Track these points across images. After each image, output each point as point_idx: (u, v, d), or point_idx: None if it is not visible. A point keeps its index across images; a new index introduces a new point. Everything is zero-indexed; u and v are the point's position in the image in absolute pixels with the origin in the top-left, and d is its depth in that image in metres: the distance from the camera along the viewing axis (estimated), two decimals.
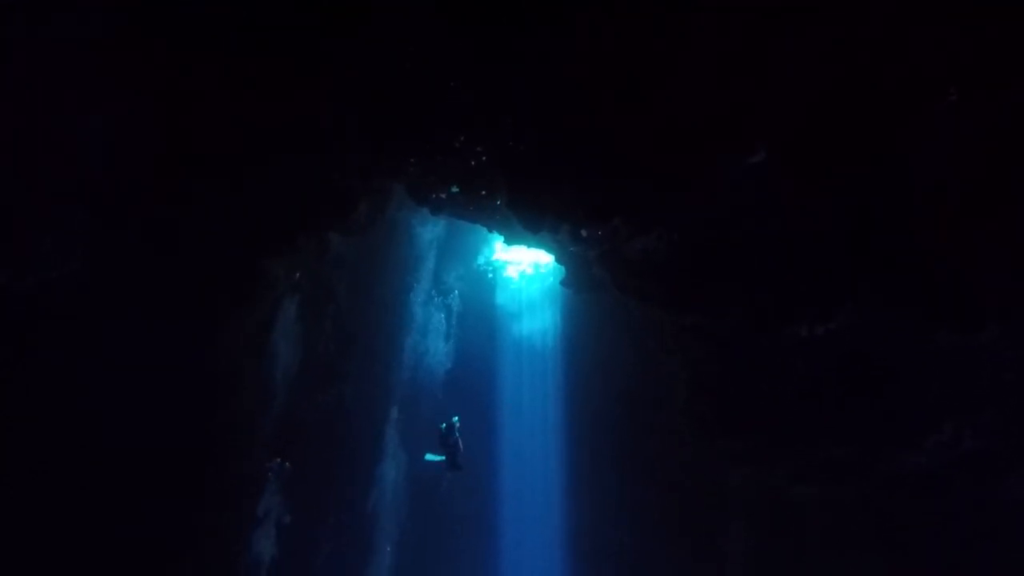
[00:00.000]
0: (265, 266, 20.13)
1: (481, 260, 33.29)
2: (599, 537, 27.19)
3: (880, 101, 13.59)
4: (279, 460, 23.73)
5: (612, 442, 25.80)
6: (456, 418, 25.09)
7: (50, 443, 17.07)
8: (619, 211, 16.64)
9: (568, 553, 30.74)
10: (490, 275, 33.82)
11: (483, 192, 19.49)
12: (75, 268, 17.26)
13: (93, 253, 17.43)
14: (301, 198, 19.21)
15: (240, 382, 20.72)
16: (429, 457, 26.08)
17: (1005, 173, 13.76)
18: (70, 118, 16.06)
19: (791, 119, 14.11)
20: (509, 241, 23.10)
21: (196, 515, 19.24)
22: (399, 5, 14.64)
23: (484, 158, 17.78)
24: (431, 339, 32.91)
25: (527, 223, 18.43)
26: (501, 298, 34.41)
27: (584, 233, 17.97)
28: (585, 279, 21.97)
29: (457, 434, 24.96)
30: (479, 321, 33.74)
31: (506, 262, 33.12)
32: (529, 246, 24.00)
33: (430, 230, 30.62)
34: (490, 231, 23.64)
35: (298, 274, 22.46)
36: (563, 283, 23.33)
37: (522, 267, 33.28)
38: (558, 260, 22.76)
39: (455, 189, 19.74)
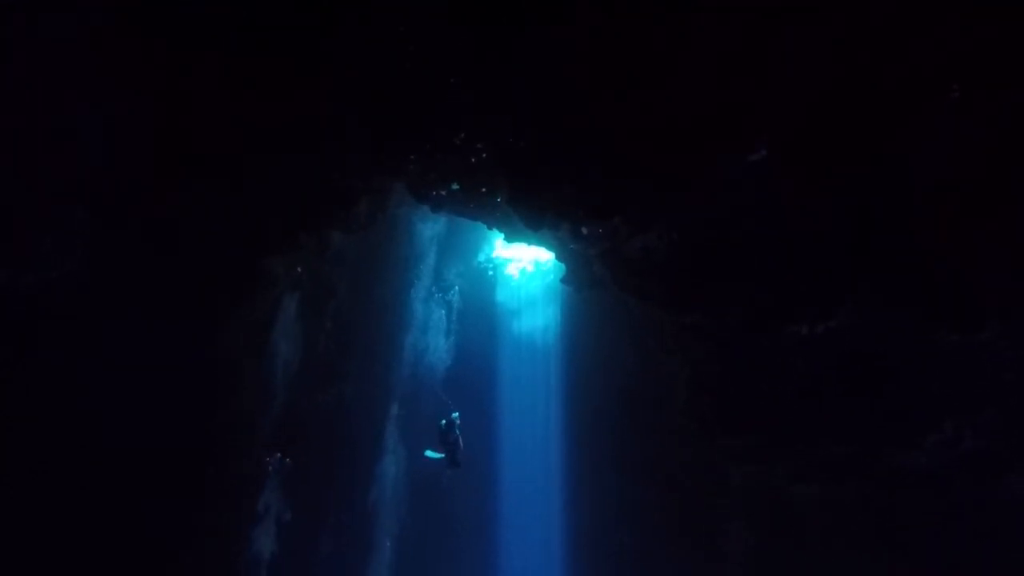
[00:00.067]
0: (265, 264, 20.16)
1: (482, 257, 33.28)
2: (599, 535, 27.21)
3: (880, 101, 13.58)
4: (279, 456, 23.75)
5: (612, 440, 25.79)
6: (456, 414, 25.10)
7: (50, 443, 17.10)
8: (619, 209, 16.64)
9: (568, 551, 30.79)
10: (490, 272, 33.81)
11: (483, 189, 19.48)
12: (75, 268, 17.27)
13: (93, 253, 17.46)
14: (301, 196, 19.23)
15: (240, 381, 20.73)
16: (429, 454, 26.12)
17: (1005, 173, 13.74)
18: (70, 118, 16.08)
19: (791, 119, 14.10)
20: (509, 238, 23.14)
21: (196, 515, 19.27)
22: (399, 5, 14.62)
23: (484, 155, 17.77)
24: (431, 336, 32.91)
25: (527, 220, 18.44)
26: (501, 295, 34.41)
27: (584, 231, 17.97)
28: (585, 277, 21.95)
29: (457, 431, 24.96)
30: (479, 318, 33.73)
31: (507, 259, 33.10)
32: (529, 243, 24.01)
33: (430, 227, 30.60)
34: (490, 228, 23.63)
35: (299, 270, 22.47)
36: (563, 281, 23.30)
37: (522, 264, 33.26)
38: (558, 258, 22.73)
39: (455, 186, 19.72)
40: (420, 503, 30.88)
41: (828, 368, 17.02)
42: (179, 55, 15.62)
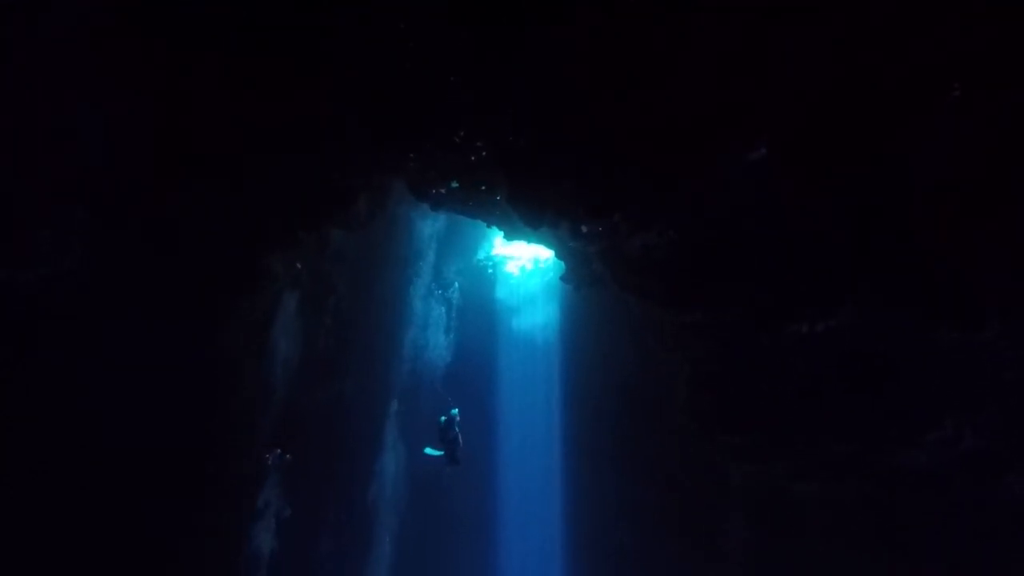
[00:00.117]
0: (265, 263, 20.16)
1: (481, 255, 33.30)
2: (598, 533, 27.22)
3: (880, 101, 13.57)
4: (279, 452, 23.76)
5: (611, 439, 25.80)
6: (456, 410, 25.08)
7: (50, 443, 17.12)
8: (619, 207, 16.63)
9: (567, 549, 30.82)
10: (490, 270, 33.84)
11: (483, 187, 19.53)
12: (74, 267, 17.26)
13: (93, 252, 17.46)
14: (301, 195, 19.25)
15: (240, 380, 20.75)
16: (428, 452, 26.13)
17: (1005, 173, 13.74)
18: (70, 118, 16.08)
19: (791, 119, 14.09)
20: (509, 236, 23.14)
21: (196, 514, 19.28)
22: (399, 5, 14.61)
23: (484, 153, 17.79)
24: (431, 333, 32.95)
25: (527, 219, 18.44)
26: (501, 293, 34.44)
27: (584, 229, 17.95)
28: (585, 275, 21.95)
29: (457, 428, 24.96)
30: (479, 316, 33.78)
31: (506, 257, 33.12)
32: (529, 241, 24.02)
33: (430, 225, 30.63)
34: (489, 226, 23.66)
35: (299, 266, 22.48)
36: (563, 279, 23.30)
37: (522, 262, 33.29)
38: (558, 256, 22.74)
39: (455, 184, 19.75)
40: (420, 501, 30.92)
41: (828, 367, 17.03)
42: (179, 55, 15.62)
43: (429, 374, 32.40)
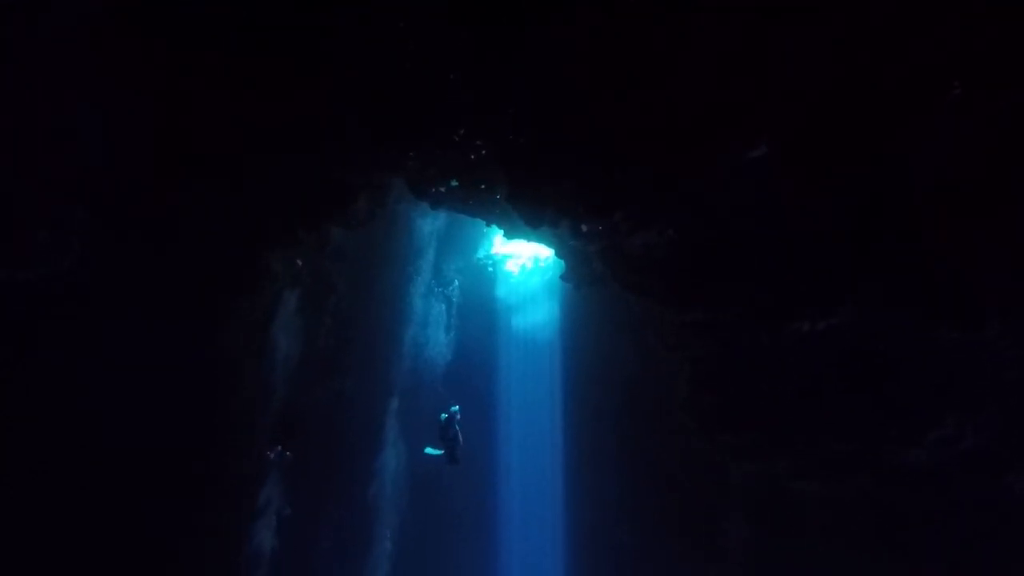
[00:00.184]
0: (265, 261, 20.17)
1: (481, 253, 33.32)
2: (598, 531, 27.24)
3: (880, 101, 13.56)
4: (280, 449, 23.79)
5: (612, 437, 25.83)
6: (456, 407, 25.12)
7: (50, 443, 17.12)
8: (620, 207, 16.63)
9: (567, 547, 30.85)
10: (490, 269, 33.86)
11: (483, 186, 19.54)
12: (73, 266, 17.26)
13: (93, 252, 17.47)
14: (301, 194, 19.26)
15: (240, 380, 20.75)
16: (428, 451, 26.15)
17: (1005, 173, 13.74)
18: (70, 117, 16.07)
19: (791, 119, 14.08)
20: (509, 235, 23.13)
21: (196, 514, 19.27)
22: (399, 5, 14.61)
23: (484, 152, 17.80)
24: (431, 331, 32.98)
25: (527, 218, 18.47)
26: (501, 291, 34.46)
27: (585, 228, 17.97)
28: (585, 274, 21.97)
29: (457, 427, 25.00)
30: (479, 314, 33.83)
31: (506, 255, 33.14)
32: (529, 240, 24.04)
33: (430, 223, 30.66)
34: (489, 225, 23.69)
35: (299, 263, 22.49)
36: (563, 278, 23.32)
37: (522, 261, 33.31)
38: (558, 254, 22.76)
39: (455, 183, 19.75)
40: (420, 499, 30.96)
41: (828, 366, 17.04)
42: (179, 55, 15.61)
43: (429, 372, 32.46)
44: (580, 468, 29.14)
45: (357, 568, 29.24)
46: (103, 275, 17.59)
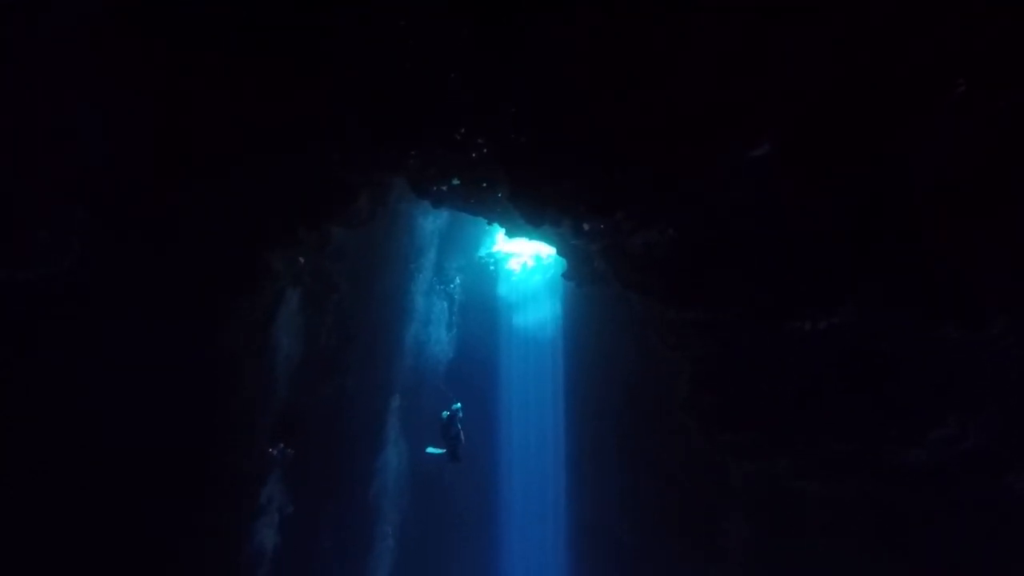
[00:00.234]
0: (265, 261, 20.16)
1: (483, 252, 33.30)
2: (599, 530, 27.26)
3: (880, 101, 13.54)
4: (282, 446, 23.80)
5: (613, 436, 25.84)
6: (458, 405, 25.06)
7: (50, 443, 17.14)
8: (621, 206, 16.62)
9: (568, 546, 30.87)
10: (492, 267, 33.85)
11: (484, 185, 19.52)
12: (73, 266, 17.27)
13: (93, 252, 17.47)
14: (302, 193, 19.27)
15: (240, 380, 20.76)
16: (430, 451, 26.11)
17: (1005, 173, 13.73)
18: (70, 117, 16.07)
19: (791, 119, 14.06)
20: (511, 233, 23.10)
21: (196, 514, 19.30)
22: (399, 5, 14.60)
23: (485, 151, 17.77)
24: (433, 329, 32.98)
25: (529, 216, 18.44)
26: (503, 290, 34.45)
27: (586, 227, 17.95)
28: (587, 272, 21.96)
29: (459, 425, 24.95)
30: (480, 312, 33.81)
31: (508, 254, 33.13)
32: (531, 238, 24.02)
33: (432, 221, 30.63)
34: (490, 224, 23.67)
35: (301, 260, 22.49)
36: (565, 276, 23.31)
37: (523, 259, 33.30)
38: (560, 253, 22.75)
39: (456, 181, 19.73)
40: (421, 497, 30.96)
41: (828, 366, 17.07)
42: (179, 55, 15.60)
43: (431, 371, 32.44)
44: (581, 467, 29.17)
45: (358, 567, 29.27)
46: (103, 275, 17.60)
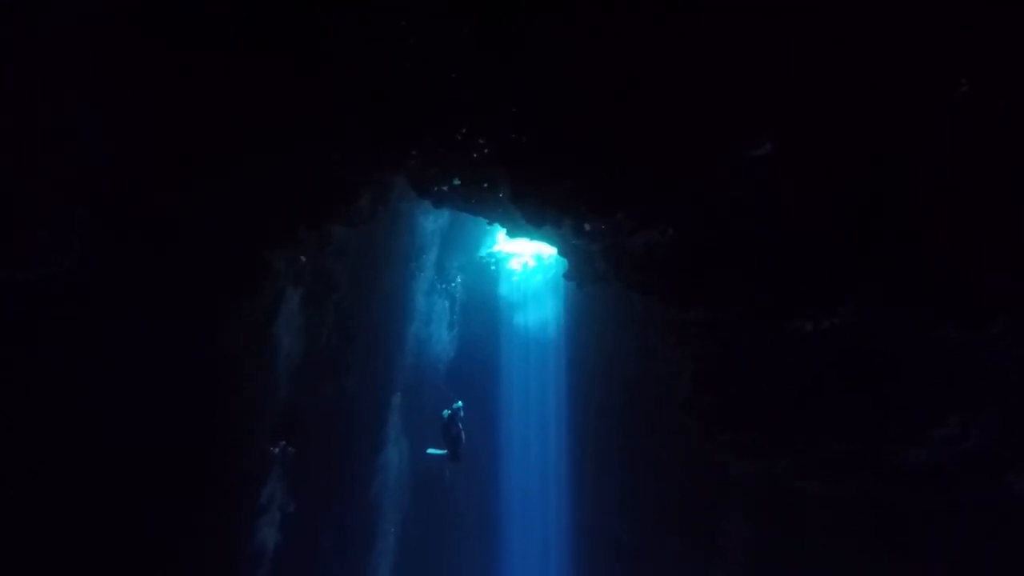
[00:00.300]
0: (266, 261, 20.15)
1: (484, 251, 33.32)
2: (599, 530, 27.27)
3: (880, 101, 13.54)
4: (283, 444, 23.81)
5: (613, 436, 25.85)
6: (459, 403, 25.07)
7: (50, 443, 17.14)
8: (622, 207, 16.62)
9: (568, 545, 30.88)
10: (493, 267, 33.86)
11: (485, 185, 19.50)
12: (73, 266, 17.26)
13: (93, 252, 17.46)
14: (302, 193, 19.27)
15: (241, 380, 20.75)
16: (431, 451, 26.12)
17: (1005, 173, 13.72)
18: (70, 117, 16.07)
19: (791, 119, 14.06)
20: (512, 233, 23.10)
21: (196, 514, 19.29)
22: (399, 5, 14.60)
23: (486, 150, 17.76)
24: (434, 327, 33.01)
25: (530, 216, 18.44)
26: (504, 289, 34.46)
27: (587, 227, 17.94)
28: (588, 272, 21.95)
29: (460, 424, 24.97)
30: (482, 312, 33.82)
31: (509, 254, 33.14)
32: (532, 238, 24.01)
33: (433, 221, 30.65)
34: (490, 224, 23.68)
35: (303, 259, 22.49)
36: (566, 276, 23.30)
37: (524, 259, 33.32)
38: (561, 253, 22.74)
39: (457, 181, 19.72)
40: (422, 496, 30.99)
41: (828, 366, 17.08)
42: (179, 55, 15.59)
43: (432, 369, 32.47)
44: (581, 466, 29.18)
45: (359, 565, 29.29)
46: (103, 275, 17.58)
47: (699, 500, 22.04)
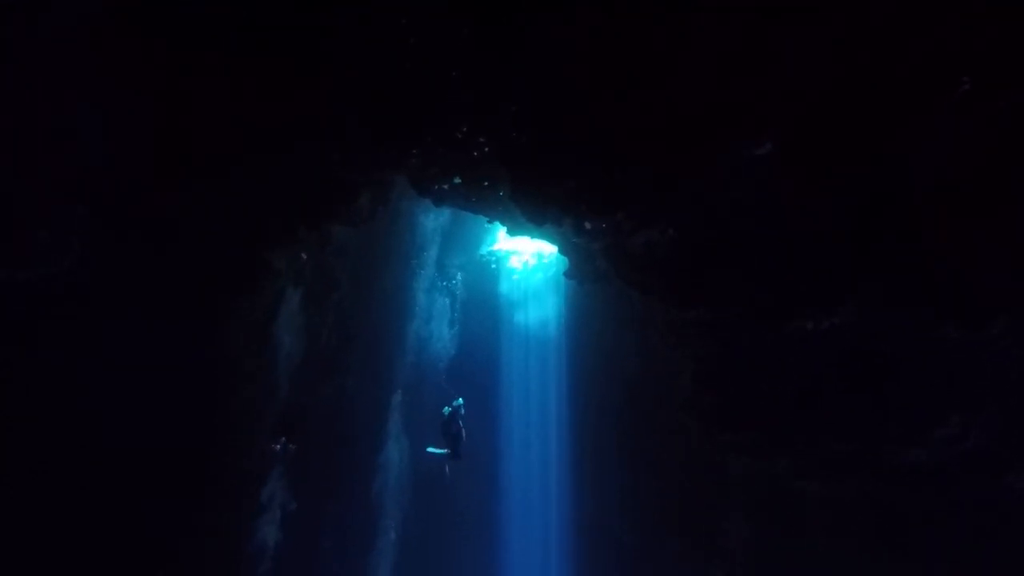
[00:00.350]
0: (266, 261, 20.15)
1: (484, 250, 33.34)
2: (599, 530, 27.28)
3: (880, 101, 13.53)
4: (284, 441, 23.82)
5: (614, 435, 25.86)
6: (460, 400, 25.08)
7: (50, 443, 17.13)
8: (622, 206, 16.62)
9: (569, 545, 30.90)
10: (493, 265, 33.88)
11: (486, 183, 19.51)
12: (73, 266, 17.25)
13: (93, 252, 17.44)
14: (302, 193, 19.27)
15: (241, 380, 20.75)
16: (431, 451, 26.13)
17: (1005, 173, 13.71)
18: (70, 117, 16.05)
19: (791, 119, 14.05)
20: (512, 231, 23.12)
21: (197, 514, 19.29)
22: (399, 5, 14.60)
23: (487, 149, 17.76)
24: (435, 325, 33.05)
25: (530, 215, 18.45)
26: (504, 287, 34.49)
27: (588, 226, 17.94)
28: (589, 271, 22.00)
29: (460, 422, 24.98)
30: (482, 310, 33.86)
31: (509, 252, 33.16)
32: (532, 237, 24.03)
33: (433, 219, 30.69)
34: (490, 222, 23.70)
35: (304, 256, 22.50)
36: (567, 275, 23.34)
37: (525, 257, 33.34)
38: (561, 251, 22.78)
39: (457, 180, 19.74)
40: (423, 495, 31.02)
41: (828, 366, 17.07)
42: (179, 55, 15.58)
43: (433, 367, 32.51)
44: (581, 466, 29.20)
45: (360, 564, 29.33)
46: (103, 275, 17.56)
47: (699, 500, 22.04)
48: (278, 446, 23.69)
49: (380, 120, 16.82)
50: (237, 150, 17.11)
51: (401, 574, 30.82)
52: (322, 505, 26.62)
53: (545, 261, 32.79)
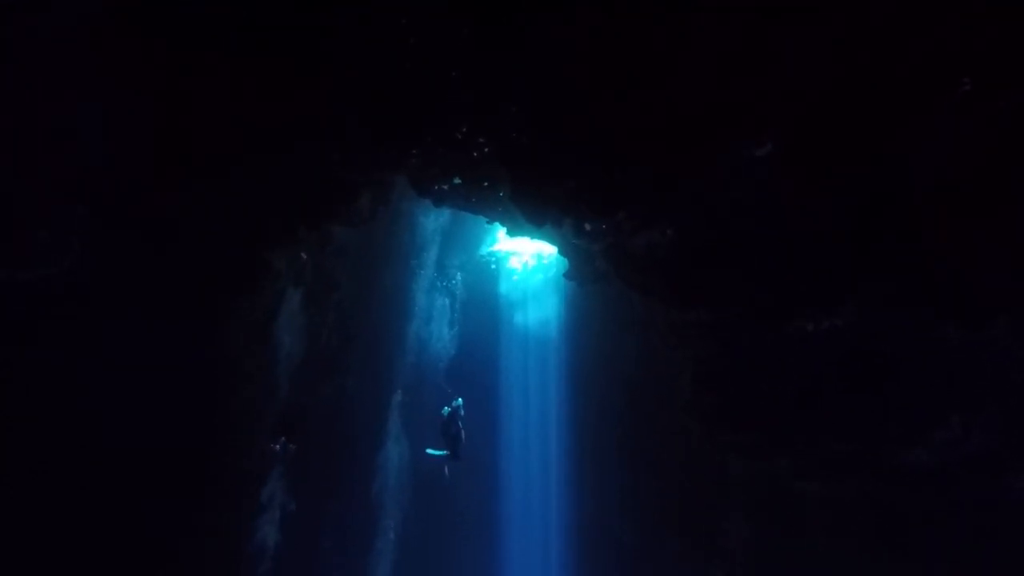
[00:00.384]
0: (266, 261, 20.15)
1: (484, 250, 33.33)
2: (599, 530, 27.27)
3: (880, 101, 13.52)
4: (284, 441, 23.82)
5: (614, 435, 25.84)
6: (460, 401, 25.05)
7: (50, 443, 17.13)
8: (622, 206, 16.62)
9: (569, 545, 30.89)
10: (493, 266, 33.87)
11: (486, 184, 19.51)
12: (73, 266, 17.24)
13: (93, 252, 17.43)
14: (302, 193, 19.26)
15: (241, 380, 20.74)
16: (430, 452, 26.11)
17: (1005, 173, 13.70)
18: (70, 117, 16.04)
19: (791, 119, 14.05)
20: (512, 232, 23.11)
21: (196, 514, 19.29)
22: (399, 5, 14.59)
23: (487, 149, 17.76)
24: (435, 326, 33.04)
25: (530, 216, 18.46)
26: (504, 288, 34.49)
27: (588, 227, 17.95)
28: (589, 272, 21.97)
29: (460, 423, 24.95)
30: (482, 310, 33.85)
31: (509, 252, 33.16)
32: (532, 237, 24.02)
33: (433, 219, 30.68)
34: (490, 223, 23.69)
35: (304, 256, 22.49)
36: (567, 276, 23.31)
37: (525, 258, 33.34)
38: (561, 252, 22.75)
39: (457, 180, 19.73)
40: (423, 495, 31.00)
41: (828, 366, 17.06)
42: (179, 55, 15.57)
43: (432, 368, 32.49)
44: (581, 466, 29.18)
45: (360, 564, 29.32)
46: (103, 275, 17.55)
47: (699, 500, 22.03)
48: (278, 446, 23.68)
49: (380, 120, 16.82)
50: (237, 150, 17.10)
51: (401, 574, 30.80)
52: (322, 505, 26.62)
53: (545, 262, 32.77)
